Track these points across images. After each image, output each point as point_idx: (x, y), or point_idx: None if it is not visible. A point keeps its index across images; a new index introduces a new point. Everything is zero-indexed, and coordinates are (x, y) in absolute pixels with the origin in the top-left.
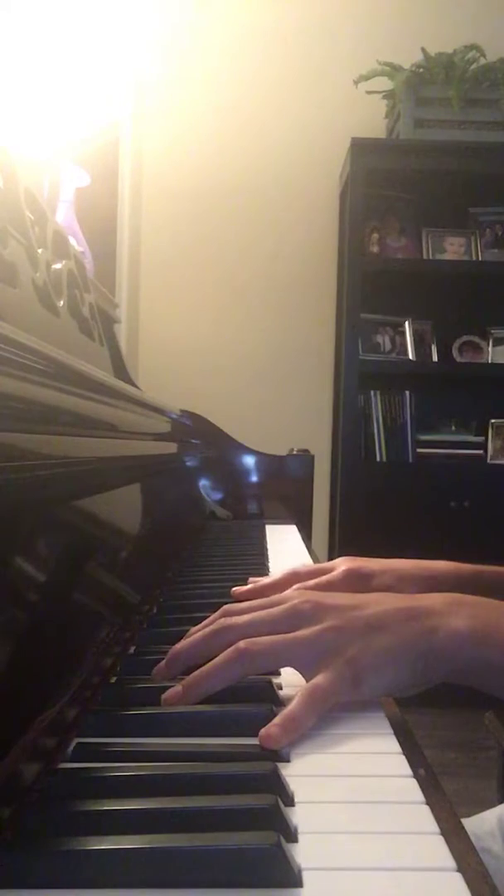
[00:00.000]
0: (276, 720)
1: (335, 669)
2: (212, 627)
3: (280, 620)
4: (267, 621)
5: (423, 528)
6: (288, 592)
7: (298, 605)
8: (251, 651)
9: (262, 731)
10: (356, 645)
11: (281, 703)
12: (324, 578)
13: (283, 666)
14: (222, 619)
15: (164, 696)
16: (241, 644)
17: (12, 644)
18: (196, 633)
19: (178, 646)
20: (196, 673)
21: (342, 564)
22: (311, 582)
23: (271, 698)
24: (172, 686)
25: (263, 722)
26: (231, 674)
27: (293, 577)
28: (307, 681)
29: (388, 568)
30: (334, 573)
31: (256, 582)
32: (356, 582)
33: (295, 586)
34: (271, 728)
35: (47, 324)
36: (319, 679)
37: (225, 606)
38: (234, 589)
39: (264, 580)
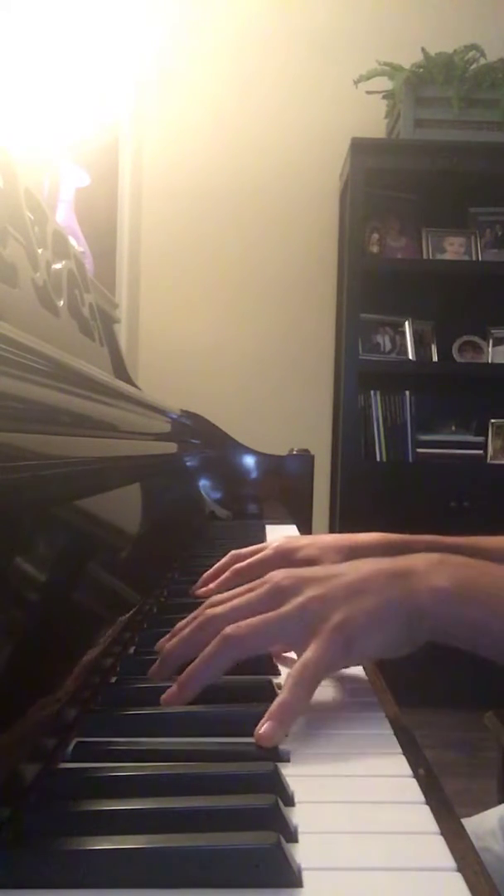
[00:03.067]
0: (268, 714)
1: (324, 638)
2: (196, 622)
3: (263, 601)
4: (253, 603)
5: (423, 528)
6: (268, 574)
7: (279, 581)
8: (237, 635)
9: (257, 730)
10: (342, 610)
11: None
12: (257, 557)
13: (273, 644)
14: (206, 612)
15: (162, 697)
16: (227, 630)
17: (12, 644)
18: (183, 630)
19: (168, 645)
20: (188, 669)
21: (273, 544)
22: (245, 563)
23: (272, 698)
24: (171, 685)
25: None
26: (222, 662)
27: (233, 559)
28: (298, 656)
29: (313, 541)
30: (266, 552)
31: (205, 579)
32: (284, 556)
33: (232, 568)
34: (265, 725)
35: (47, 324)
36: (308, 654)
37: (209, 599)
38: (197, 591)
39: (211, 571)
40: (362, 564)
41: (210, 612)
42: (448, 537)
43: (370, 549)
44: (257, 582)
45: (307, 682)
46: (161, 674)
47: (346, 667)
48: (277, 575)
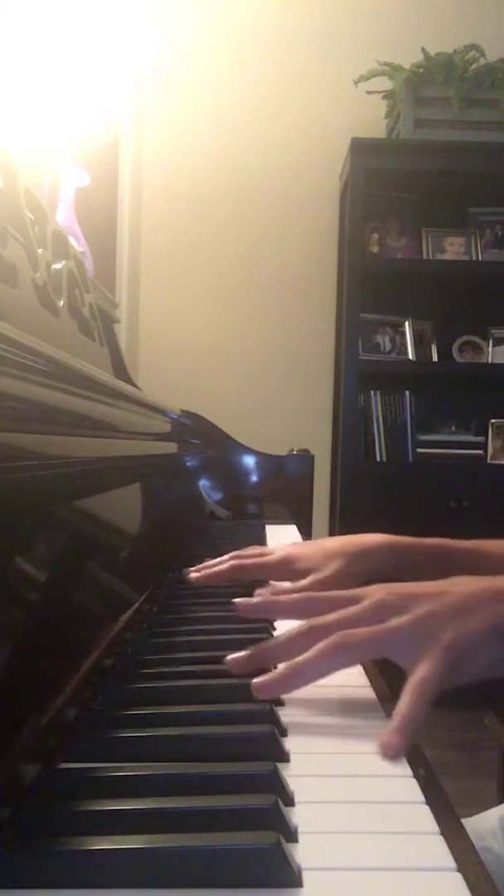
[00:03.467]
0: (392, 727)
1: (434, 657)
2: (301, 627)
3: (367, 616)
4: (358, 617)
5: (423, 529)
6: (368, 588)
7: (385, 597)
8: (348, 643)
9: (382, 741)
10: (451, 629)
11: (281, 702)
12: (261, 560)
13: (380, 656)
14: (309, 621)
15: (255, 684)
16: (338, 636)
17: (13, 644)
18: (283, 634)
19: (266, 644)
20: (293, 663)
21: (280, 550)
22: (250, 562)
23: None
24: (176, 683)
25: (263, 719)
26: (331, 664)
27: (236, 559)
28: (406, 669)
29: (316, 549)
30: (271, 556)
31: (202, 567)
32: (288, 564)
33: (231, 563)
34: (391, 738)
35: (47, 324)
36: (424, 670)
37: (307, 596)
38: (191, 574)
39: (213, 568)
40: (464, 582)
41: (315, 620)
42: (452, 540)
43: (375, 552)
44: (355, 593)
45: (426, 697)
46: (245, 666)
47: (453, 685)
48: (380, 591)
